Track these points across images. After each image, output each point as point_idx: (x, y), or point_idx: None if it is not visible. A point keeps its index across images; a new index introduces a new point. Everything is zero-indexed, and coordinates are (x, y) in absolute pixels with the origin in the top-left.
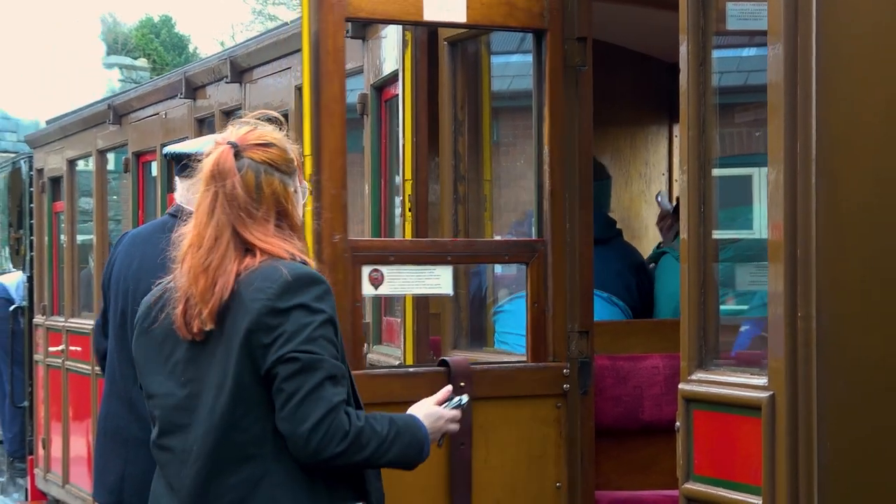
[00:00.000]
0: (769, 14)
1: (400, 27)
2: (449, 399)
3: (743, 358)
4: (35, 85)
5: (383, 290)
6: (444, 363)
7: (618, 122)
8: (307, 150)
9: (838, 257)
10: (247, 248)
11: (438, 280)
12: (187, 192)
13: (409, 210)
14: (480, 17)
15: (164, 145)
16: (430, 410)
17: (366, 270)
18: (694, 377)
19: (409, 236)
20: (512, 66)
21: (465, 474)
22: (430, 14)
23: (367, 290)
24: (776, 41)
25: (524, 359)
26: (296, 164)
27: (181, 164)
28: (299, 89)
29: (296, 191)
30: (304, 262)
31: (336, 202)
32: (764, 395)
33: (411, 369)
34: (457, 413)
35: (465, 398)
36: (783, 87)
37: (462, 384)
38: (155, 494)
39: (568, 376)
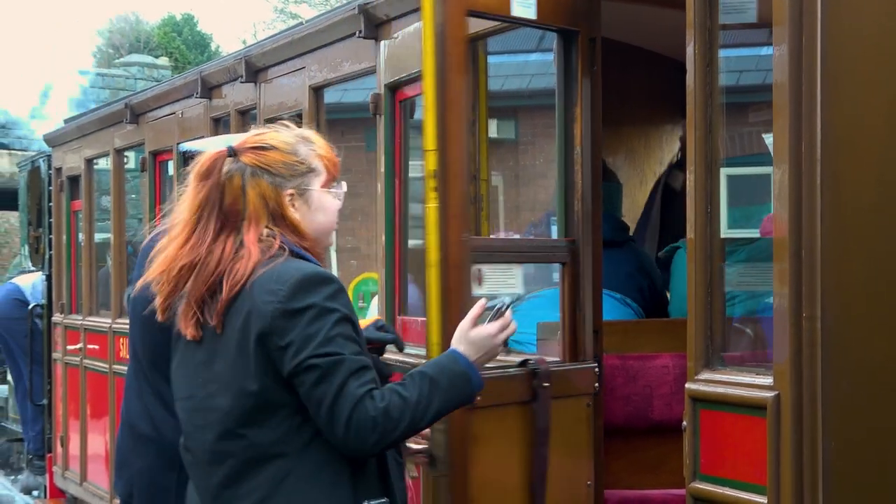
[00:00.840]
0: (774, 14)
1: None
2: (489, 310)
3: (749, 357)
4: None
5: (484, 289)
6: (524, 363)
7: (631, 122)
8: (430, 145)
9: (843, 258)
10: (245, 246)
11: (515, 280)
12: None
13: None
14: (543, 15)
15: (180, 144)
16: (470, 336)
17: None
18: (700, 377)
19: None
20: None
21: (543, 470)
22: (516, 11)
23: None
24: (781, 42)
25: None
26: (308, 166)
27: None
28: (313, 89)
29: (304, 192)
30: (303, 258)
31: (464, 200)
32: (769, 394)
33: (496, 371)
34: (503, 321)
35: (504, 300)
36: (788, 88)
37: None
38: (190, 497)
39: (598, 375)
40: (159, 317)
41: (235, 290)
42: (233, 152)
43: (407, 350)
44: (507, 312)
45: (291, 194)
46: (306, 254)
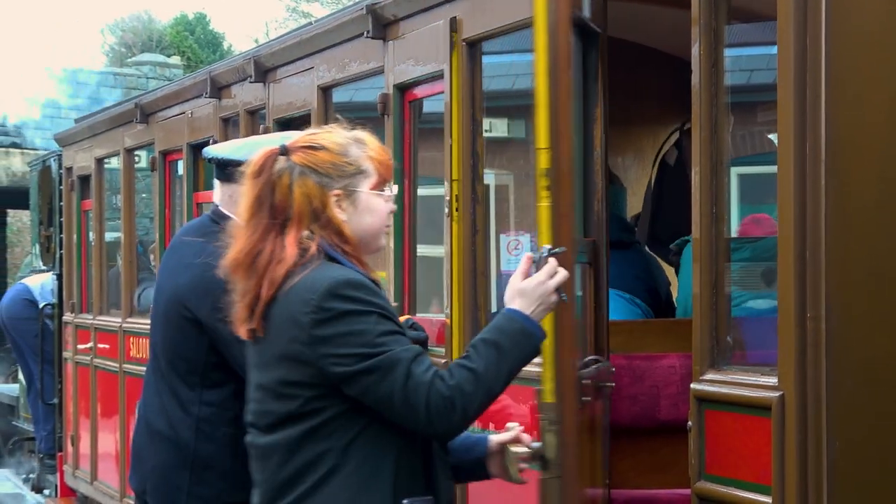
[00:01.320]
0: (778, 14)
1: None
2: (534, 264)
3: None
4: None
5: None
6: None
7: (640, 122)
8: (543, 143)
9: (846, 257)
10: (285, 247)
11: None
12: (228, 197)
13: (456, 210)
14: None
15: (189, 144)
16: (521, 288)
17: None
18: (706, 377)
19: (456, 237)
20: None
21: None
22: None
23: None
24: (786, 41)
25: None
26: (358, 168)
27: (222, 168)
28: (322, 89)
29: (352, 193)
30: (338, 262)
31: (572, 199)
32: (774, 395)
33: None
34: (549, 268)
35: (546, 249)
36: (792, 87)
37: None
38: (253, 492)
39: (614, 374)
40: (238, 322)
41: (271, 293)
42: (284, 151)
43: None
44: (552, 259)
45: (338, 195)
46: (343, 258)
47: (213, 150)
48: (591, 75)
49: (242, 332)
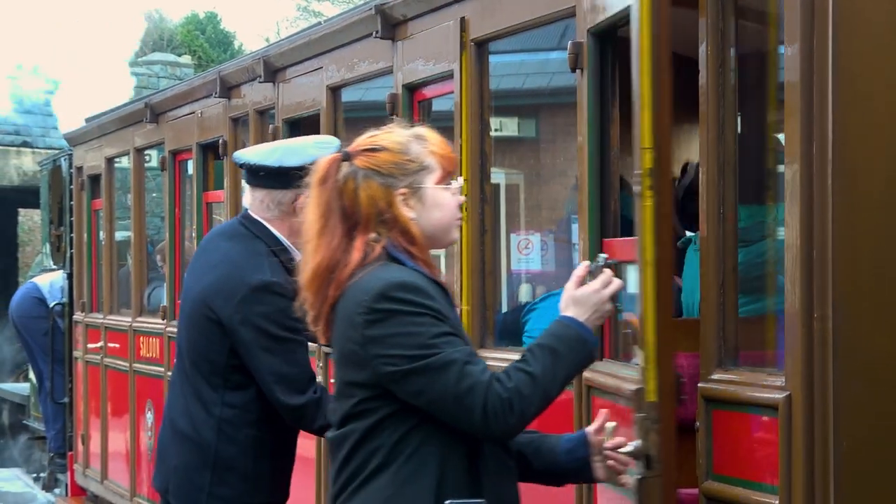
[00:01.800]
0: (786, 13)
1: (450, 28)
2: (590, 273)
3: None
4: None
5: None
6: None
7: None
8: (647, 143)
9: (854, 257)
10: (352, 251)
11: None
12: (258, 202)
13: (465, 209)
14: None
15: (199, 144)
16: (576, 296)
17: None
18: (713, 377)
19: (465, 237)
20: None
21: None
22: None
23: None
24: (793, 40)
25: None
26: (421, 164)
27: (253, 174)
28: (331, 89)
29: (417, 190)
30: (400, 262)
31: (671, 200)
32: (780, 395)
33: None
34: (604, 277)
35: (602, 257)
36: (800, 87)
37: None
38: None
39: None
40: (314, 327)
41: (336, 295)
42: (347, 156)
43: None
44: (607, 270)
45: (404, 193)
46: (408, 259)
47: (244, 155)
48: (607, 75)
49: (322, 338)
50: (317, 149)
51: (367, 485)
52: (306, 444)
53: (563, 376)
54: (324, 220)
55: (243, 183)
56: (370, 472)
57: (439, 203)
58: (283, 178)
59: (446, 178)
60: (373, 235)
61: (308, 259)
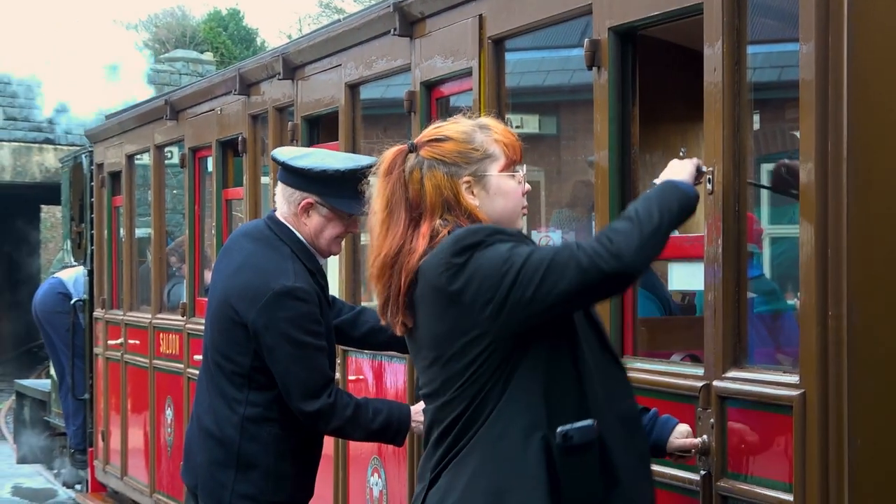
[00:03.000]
0: (801, 11)
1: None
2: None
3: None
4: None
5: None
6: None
7: (670, 119)
8: None
9: (869, 256)
10: (419, 238)
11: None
12: (284, 200)
13: None
14: None
15: (219, 141)
16: (670, 165)
17: None
18: (728, 375)
19: None
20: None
21: None
22: None
23: None
24: (808, 39)
25: None
26: (485, 153)
27: (288, 172)
28: (349, 86)
29: (482, 178)
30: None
31: None
32: (795, 393)
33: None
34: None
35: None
36: (815, 86)
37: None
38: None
39: None
40: (384, 320)
41: (408, 281)
42: (413, 148)
43: None
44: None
45: (468, 182)
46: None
47: (281, 155)
48: (628, 73)
49: (397, 329)
50: (331, 158)
51: (478, 428)
52: (326, 444)
53: (659, 208)
54: (388, 211)
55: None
56: (484, 418)
57: (504, 190)
58: (295, 178)
59: (511, 166)
60: (439, 222)
61: (374, 250)
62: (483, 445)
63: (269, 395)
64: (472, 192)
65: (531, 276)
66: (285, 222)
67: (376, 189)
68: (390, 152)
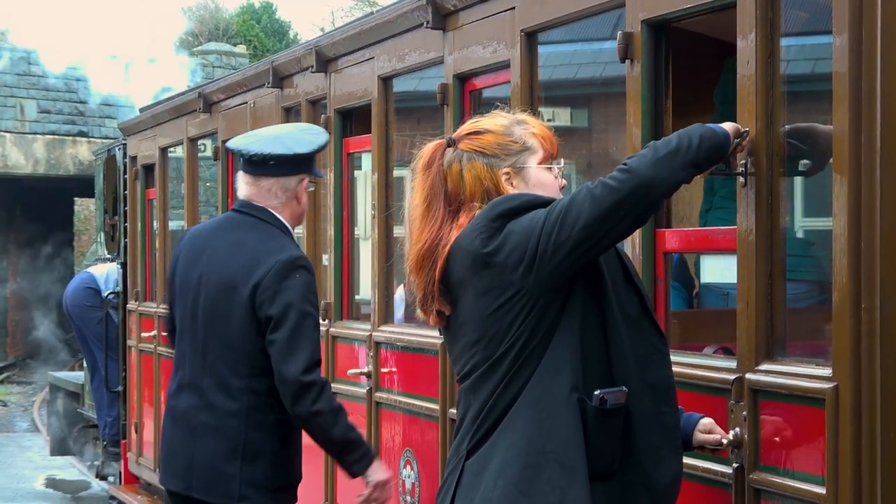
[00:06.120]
0: (834, 3)
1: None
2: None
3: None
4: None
5: None
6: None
7: (702, 112)
8: None
9: None
10: (456, 227)
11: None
12: (265, 191)
13: None
14: None
15: (225, 142)
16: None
17: None
18: (761, 368)
19: None
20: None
21: None
22: None
23: None
24: (841, 30)
25: None
26: (524, 145)
27: (262, 163)
28: (382, 79)
29: (521, 170)
30: None
31: None
32: (828, 385)
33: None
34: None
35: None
36: (848, 77)
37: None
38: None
39: None
40: (422, 313)
41: (442, 266)
42: (451, 142)
43: None
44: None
45: (508, 173)
46: None
47: (247, 146)
48: (661, 66)
49: (432, 319)
50: (312, 134)
51: (519, 396)
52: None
53: (679, 136)
54: (427, 204)
55: (240, 174)
56: (523, 383)
57: (542, 182)
58: (293, 165)
59: (548, 159)
60: (477, 205)
61: (412, 243)
62: (524, 408)
63: (270, 381)
64: (512, 184)
65: (553, 223)
66: (266, 207)
67: (416, 183)
68: (429, 147)
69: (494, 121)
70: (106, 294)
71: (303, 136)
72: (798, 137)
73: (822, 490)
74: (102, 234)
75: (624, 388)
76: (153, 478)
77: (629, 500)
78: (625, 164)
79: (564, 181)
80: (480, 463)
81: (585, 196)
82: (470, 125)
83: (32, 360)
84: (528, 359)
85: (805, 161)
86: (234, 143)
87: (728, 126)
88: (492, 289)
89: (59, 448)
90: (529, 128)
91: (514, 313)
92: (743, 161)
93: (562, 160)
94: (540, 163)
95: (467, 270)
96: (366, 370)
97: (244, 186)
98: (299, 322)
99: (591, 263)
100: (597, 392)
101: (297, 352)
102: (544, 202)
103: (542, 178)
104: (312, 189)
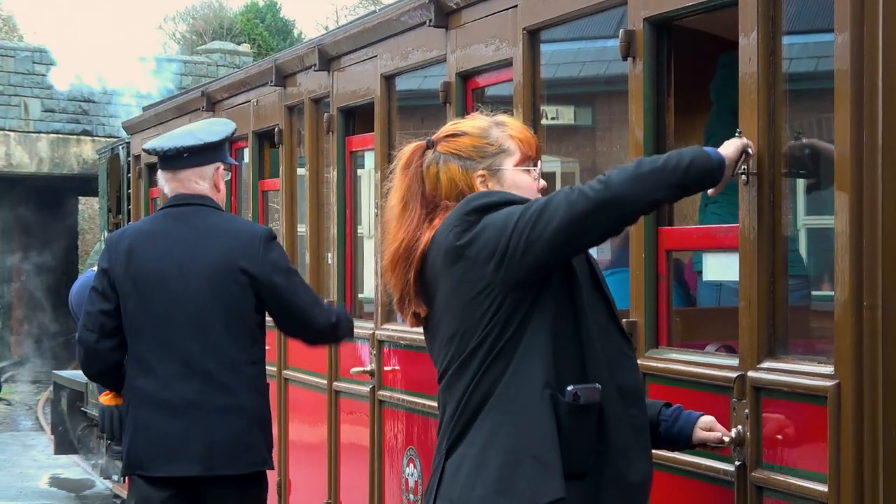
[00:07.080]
0: (836, 1)
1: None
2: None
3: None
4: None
5: None
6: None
7: (705, 109)
8: None
9: None
10: (431, 229)
11: None
12: (190, 182)
13: None
14: None
15: (255, 132)
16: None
17: None
18: (762, 365)
19: None
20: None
21: None
22: None
23: None
24: (843, 28)
25: None
26: (500, 147)
27: (177, 157)
28: (385, 77)
29: (496, 171)
30: None
31: None
32: (830, 383)
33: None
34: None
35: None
36: (850, 74)
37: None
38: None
39: None
40: (400, 314)
41: (417, 265)
42: (430, 144)
43: None
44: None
45: (483, 175)
46: None
47: (161, 144)
48: (663, 64)
49: (409, 320)
50: (220, 125)
51: (494, 393)
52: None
53: (668, 155)
54: (403, 204)
55: (160, 174)
56: (497, 379)
57: (518, 184)
58: (207, 154)
59: (526, 161)
60: (451, 206)
61: (388, 243)
62: (498, 405)
63: (262, 349)
64: (487, 186)
65: (526, 222)
66: (204, 194)
67: (394, 183)
68: (408, 148)
69: (473, 123)
70: None
71: (211, 127)
72: (800, 156)
73: (824, 488)
74: (106, 233)
75: (598, 386)
76: None
77: (604, 499)
78: (604, 175)
79: (544, 182)
80: (458, 462)
81: (562, 200)
82: (449, 127)
83: (37, 358)
84: (500, 354)
85: (810, 180)
86: (149, 144)
87: (732, 147)
88: (465, 282)
89: (64, 447)
90: (507, 130)
91: (485, 306)
92: (743, 167)
93: (540, 162)
94: (516, 165)
95: (442, 264)
96: (369, 368)
97: (166, 184)
98: (300, 281)
99: (565, 263)
100: (570, 388)
101: (313, 305)
102: (521, 200)
103: (518, 180)
104: (227, 178)
